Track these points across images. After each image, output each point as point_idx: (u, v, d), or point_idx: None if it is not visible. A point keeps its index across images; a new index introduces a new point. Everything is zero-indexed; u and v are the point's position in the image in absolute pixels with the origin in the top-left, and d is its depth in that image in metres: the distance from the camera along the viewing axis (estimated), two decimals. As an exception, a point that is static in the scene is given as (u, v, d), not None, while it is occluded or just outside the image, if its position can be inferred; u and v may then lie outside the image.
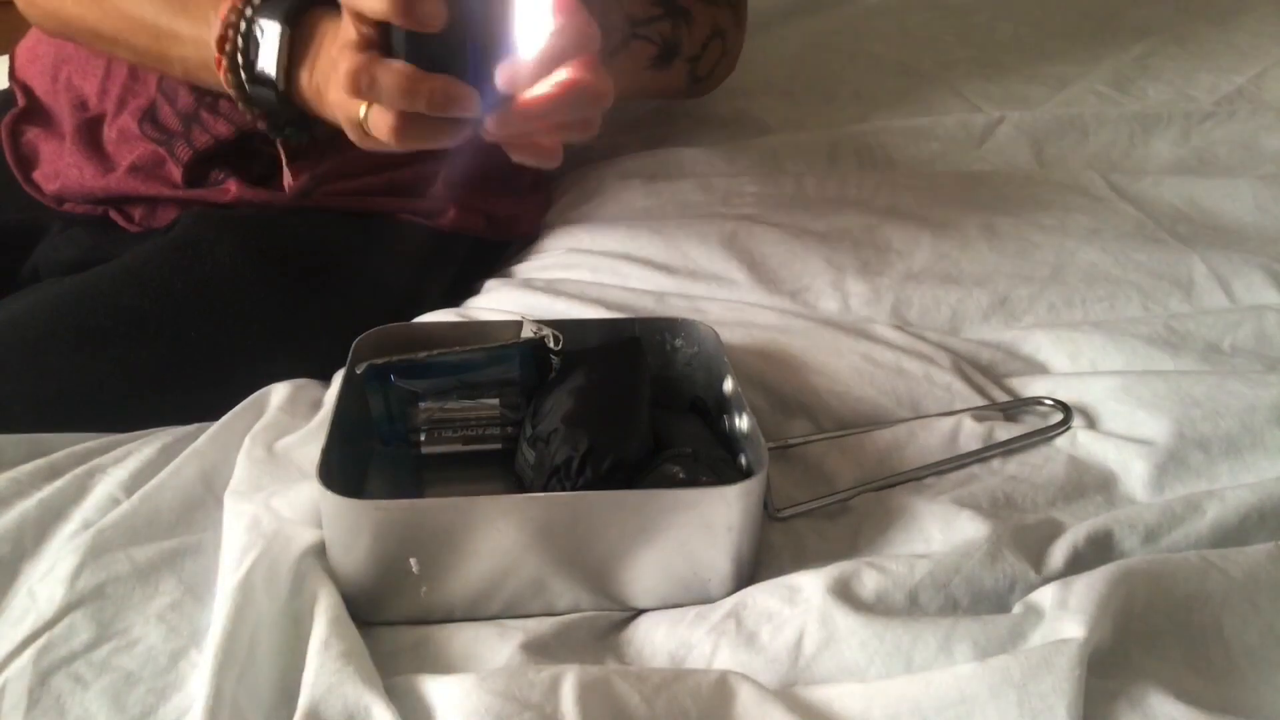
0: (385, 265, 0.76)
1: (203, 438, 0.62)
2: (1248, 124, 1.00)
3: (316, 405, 0.66)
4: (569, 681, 0.45)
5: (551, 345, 0.61)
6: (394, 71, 0.50)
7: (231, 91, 0.63)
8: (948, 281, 0.77)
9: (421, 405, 0.61)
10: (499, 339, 0.62)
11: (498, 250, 0.86)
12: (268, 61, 0.61)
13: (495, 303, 0.75)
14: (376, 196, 0.77)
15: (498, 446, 0.61)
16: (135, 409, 0.66)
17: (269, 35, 0.60)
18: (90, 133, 0.78)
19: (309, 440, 0.61)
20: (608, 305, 0.72)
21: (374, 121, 0.52)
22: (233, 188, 0.73)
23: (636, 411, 0.58)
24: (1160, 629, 0.49)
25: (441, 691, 0.45)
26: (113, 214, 0.77)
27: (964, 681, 0.45)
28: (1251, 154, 0.96)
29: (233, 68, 0.62)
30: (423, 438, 0.61)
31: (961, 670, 0.45)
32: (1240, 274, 0.77)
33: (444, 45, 0.50)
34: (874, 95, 1.10)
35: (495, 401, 0.62)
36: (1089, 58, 1.18)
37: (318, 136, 0.66)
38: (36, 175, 0.79)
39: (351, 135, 0.56)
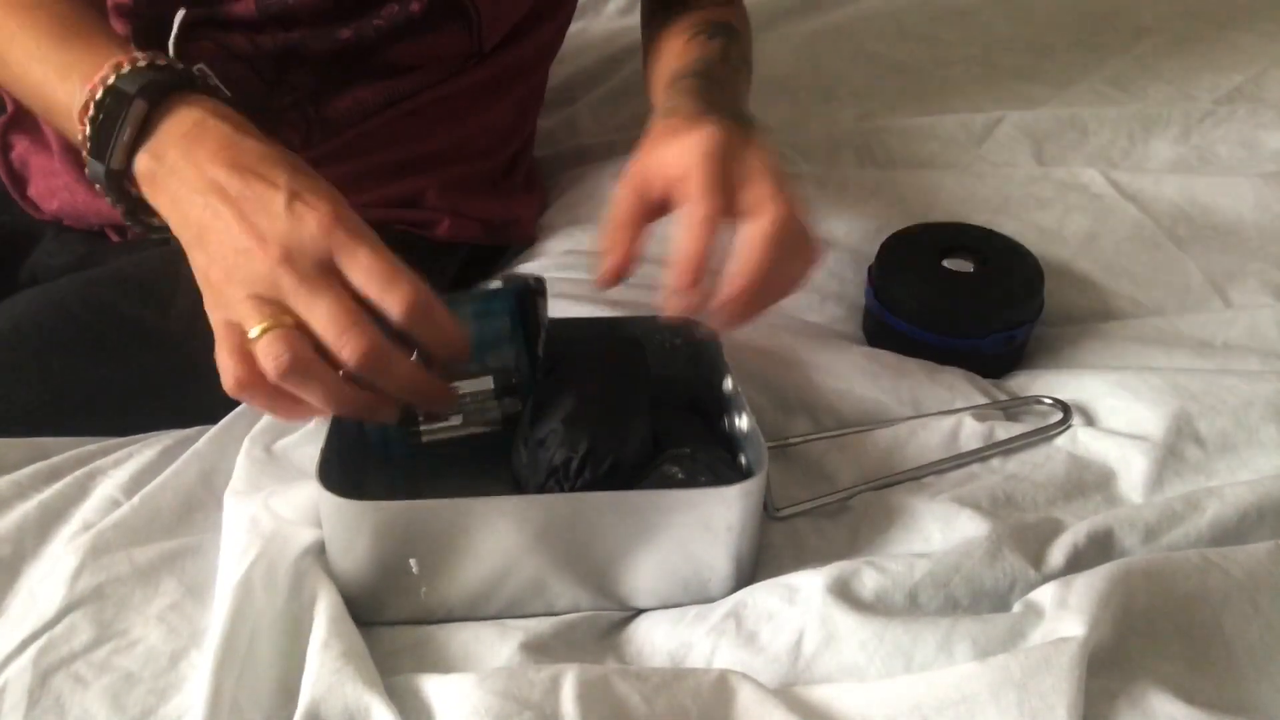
0: None
1: (203, 440, 0.63)
2: (1248, 123, 1.00)
3: (316, 406, 0.66)
4: (569, 681, 0.45)
5: (533, 285, 0.59)
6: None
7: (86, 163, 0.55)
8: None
9: None
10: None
11: (496, 253, 0.86)
12: (108, 134, 0.52)
13: (495, 303, 0.75)
14: (372, 208, 0.77)
15: (498, 427, 0.60)
16: (136, 414, 0.66)
17: (127, 108, 0.52)
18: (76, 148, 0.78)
19: (308, 440, 0.61)
20: (608, 305, 0.72)
21: (268, 357, 0.45)
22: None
23: (636, 412, 0.58)
24: (1160, 628, 0.49)
25: (441, 691, 0.45)
26: (107, 230, 0.77)
27: (964, 681, 0.45)
28: (1252, 153, 0.96)
29: (90, 136, 0.53)
30: (421, 424, 0.59)
31: (961, 670, 0.45)
32: (1235, 281, 0.78)
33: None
34: (874, 95, 1.10)
35: (489, 379, 0.59)
36: (1089, 57, 1.18)
37: (152, 230, 0.57)
38: (31, 193, 0.79)
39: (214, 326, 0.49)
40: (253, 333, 0.46)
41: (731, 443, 0.59)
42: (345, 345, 0.46)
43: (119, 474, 0.60)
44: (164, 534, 0.56)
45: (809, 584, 0.50)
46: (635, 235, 0.57)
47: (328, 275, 0.47)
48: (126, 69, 0.53)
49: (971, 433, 0.63)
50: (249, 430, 0.63)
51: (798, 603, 0.50)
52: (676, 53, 0.76)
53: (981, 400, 0.67)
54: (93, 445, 0.63)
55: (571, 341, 0.61)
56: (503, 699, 0.44)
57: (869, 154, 0.97)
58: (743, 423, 0.57)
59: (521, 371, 0.59)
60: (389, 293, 0.47)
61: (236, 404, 0.66)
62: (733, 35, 0.77)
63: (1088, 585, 0.48)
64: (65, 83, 0.55)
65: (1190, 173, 0.92)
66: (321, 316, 0.46)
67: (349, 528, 0.50)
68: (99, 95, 0.52)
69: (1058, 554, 0.53)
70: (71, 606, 0.51)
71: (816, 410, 0.66)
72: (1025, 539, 0.53)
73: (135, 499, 0.57)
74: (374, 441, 0.59)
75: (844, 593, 0.50)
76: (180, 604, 0.52)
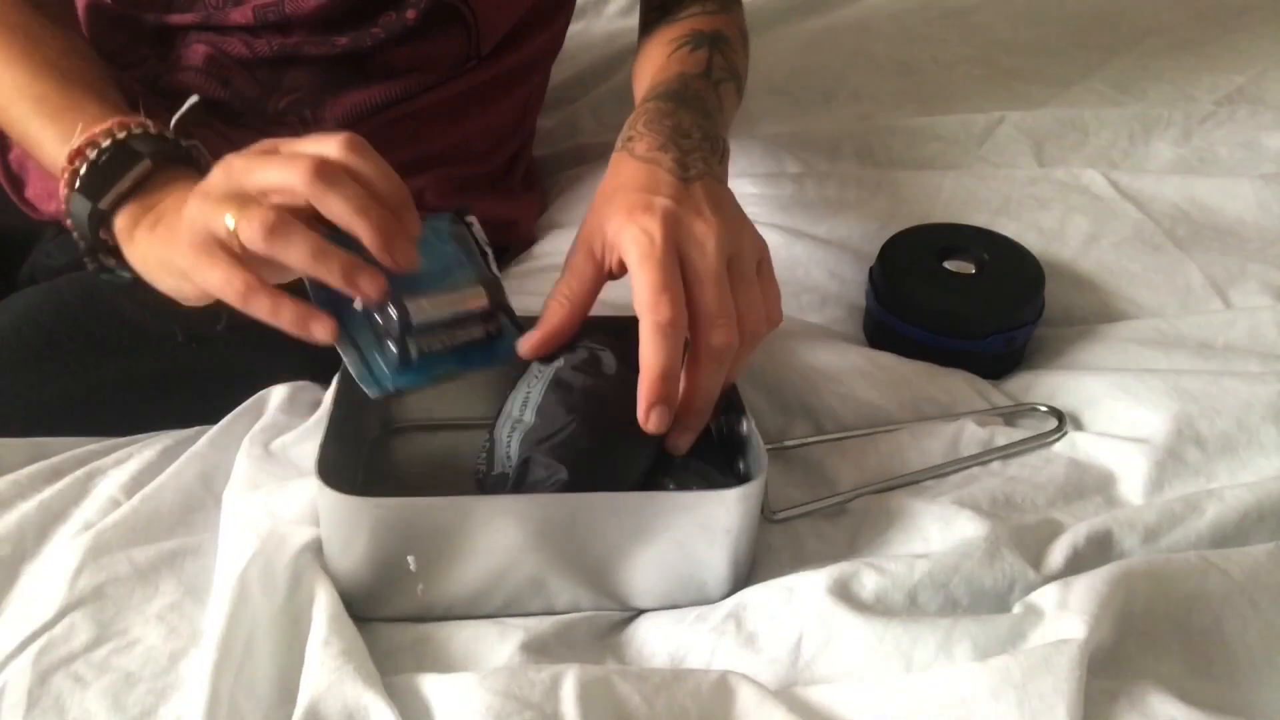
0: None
1: (202, 440, 0.63)
2: (1248, 124, 1.00)
3: (315, 406, 0.66)
4: (569, 681, 0.45)
5: (460, 211, 0.58)
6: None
7: (64, 199, 0.56)
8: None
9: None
10: None
11: (496, 253, 0.86)
12: (108, 181, 0.55)
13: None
14: None
15: (491, 340, 0.56)
16: (136, 414, 0.66)
17: (130, 163, 0.55)
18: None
19: (306, 438, 0.61)
20: (608, 305, 0.72)
21: (248, 224, 0.47)
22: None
23: (625, 441, 0.54)
24: (1160, 629, 0.49)
25: (441, 690, 0.45)
26: (102, 232, 0.77)
27: (964, 681, 0.45)
28: (1252, 153, 0.96)
29: (83, 176, 0.55)
30: (414, 351, 0.54)
31: (961, 670, 0.45)
32: (1236, 282, 0.78)
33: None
34: (874, 95, 1.10)
35: (476, 289, 0.56)
36: (1089, 57, 1.18)
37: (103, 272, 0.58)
38: (29, 194, 0.79)
39: (185, 267, 0.51)
40: (228, 222, 0.48)
41: (729, 444, 0.59)
42: (297, 174, 0.47)
43: (119, 474, 0.60)
44: (164, 534, 0.56)
45: (809, 585, 0.50)
46: (582, 311, 0.56)
47: (265, 155, 0.50)
48: (138, 131, 0.56)
49: (973, 438, 0.63)
50: (248, 430, 0.63)
51: (797, 603, 0.50)
52: (658, 65, 0.75)
53: (980, 404, 0.67)
54: (93, 445, 0.63)
55: (576, 339, 0.59)
56: (503, 699, 0.44)
57: (869, 154, 0.97)
58: (741, 426, 0.57)
59: (492, 286, 0.57)
60: (326, 140, 0.49)
61: (236, 404, 0.66)
62: (719, 45, 0.76)
63: (1088, 586, 0.48)
64: (56, 123, 0.58)
65: (1191, 174, 0.92)
66: (274, 173, 0.48)
67: (347, 524, 0.50)
68: (104, 144, 0.55)
69: (1057, 555, 0.53)
70: (71, 606, 0.51)
71: (817, 413, 0.66)
72: (1025, 540, 0.53)
73: (135, 499, 0.57)
74: (376, 374, 0.54)
75: (844, 593, 0.50)
76: (180, 604, 0.52)
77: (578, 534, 0.50)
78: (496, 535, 0.49)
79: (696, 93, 0.68)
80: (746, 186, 0.89)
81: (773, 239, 0.81)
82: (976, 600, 0.51)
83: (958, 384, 0.68)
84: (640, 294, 0.52)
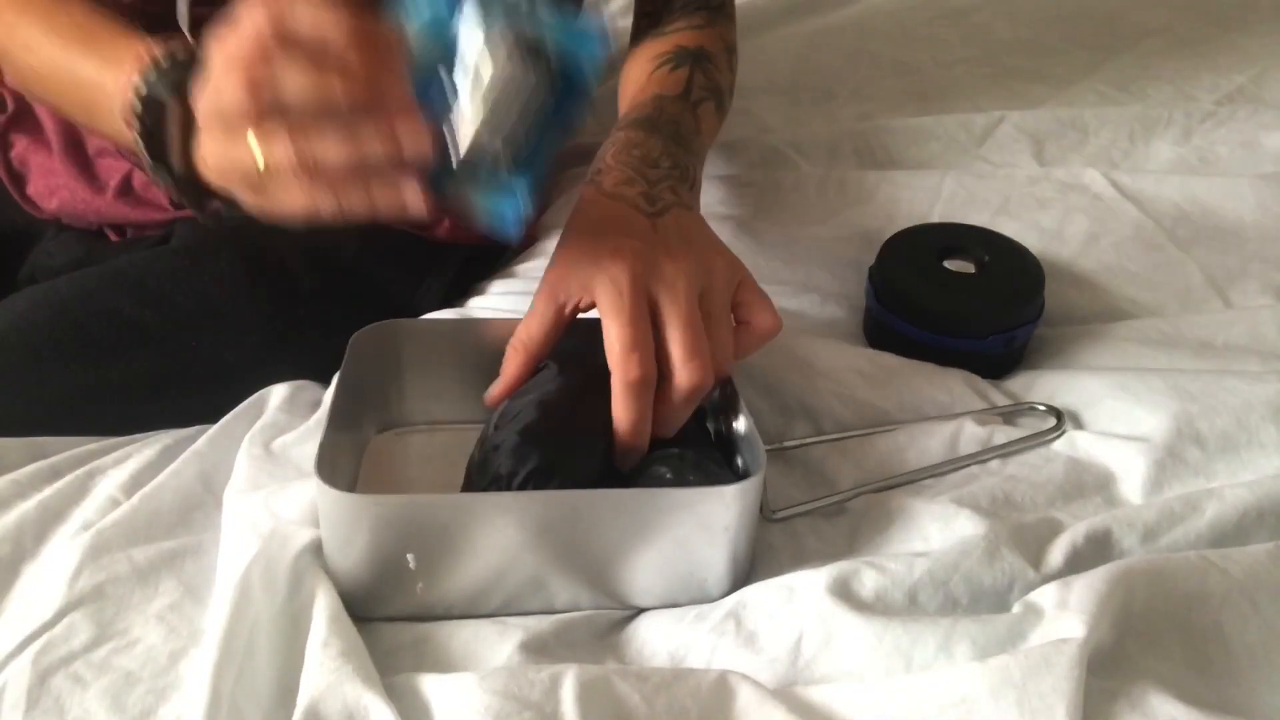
0: (383, 273, 0.76)
1: (202, 439, 0.63)
2: (1248, 123, 1.00)
3: (315, 405, 0.66)
4: (569, 681, 0.45)
5: None
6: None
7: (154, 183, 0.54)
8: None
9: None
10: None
11: (496, 253, 0.86)
12: (160, 144, 0.52)
13: (497, 304, 0.75)
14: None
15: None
16: (136, 415, 0.66)
17: (164, 113, 0.52)
18: (77, 147, 0.78)
19: (306, 438, 0.61)
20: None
21: (276, 162, 0.43)
22: (217, 207, 0.73)
23: (597, 433, 0.54)
24: (1160, 628, 0.49)
25: (441, 690, 0.45)
26: (106, 229, 0.77)
27: (964, 681, 0.45)
28: (1252, 153, 0.96)
29: (144, 147, 0.53)
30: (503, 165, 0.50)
31: (961, 670, 0.45)
32: (1236, 282, 0.78)
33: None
34: (874, 95, 1.10)
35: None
36: (1089, 57, 1.18)
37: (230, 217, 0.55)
38: (31, 191, 0.79)
39: (246, 199, 0.48)
40: (259, 161, 0.44)
41: (727, 444, 0.59)
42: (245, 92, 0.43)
43: (118, 474, 0.60)
44: (163, 534, 0.56)
45: (809, 584, 0.50)
46: (540, 356, 0.56)
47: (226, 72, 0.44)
48: (153, 73, 0.52)
49: (972, 438, 0.63)
50: (248, 430, 0.63)
51: (797, 603, 0.50)
52: (638, 85, 0.75)
53: (980, 404, 0.67)
54: (92, 445, 0.63)
55: (565, 340, 0.60)
56: (503, 699, 0.44)
57: (869, 154, 0.97)
58: (740, 424, 0.57)
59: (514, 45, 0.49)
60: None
61: (236, 404, 0.66)
62: (701, 63, 0.75)
63: (1087, 586, 0.48)
64: (100, 92, 0.55)
65: (1191, 173, 0.92)
66: (296, 84, 0.43)
67: (347, 522, 0.50)
68: (135, 106, 0.52)
69: (1056, 554, 0.53)
70: (71, 606, 0.51)
71: (816, 414, 0.66)
72: (1024, 539, 0.53)
73: (135, 499, 0.57)
74: (502, 211, 0.52)
75: (844, 593, 0.50)
76: (180, 604, 0.52)
77: (577, 531, 0.50)
78: (496, 533, 0.49)
79: (671, 117, 0.69)
80: (746, 184, 0.89)
81: (772, 238, 0.82)
82: (976, 599, 0.51)
83: (957, 384, 0.68)
84: (611, 349, 0.52)
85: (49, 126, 0.79)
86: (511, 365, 0.56)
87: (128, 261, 0.71)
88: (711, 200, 0.87)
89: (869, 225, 0.83)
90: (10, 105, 0.82)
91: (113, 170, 0.76)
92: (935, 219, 0.80)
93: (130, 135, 0.53)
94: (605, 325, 0.53)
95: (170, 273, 0.70)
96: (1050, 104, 1.07)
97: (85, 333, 0.66)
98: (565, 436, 0.54)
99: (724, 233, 0.80)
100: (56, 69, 0.59)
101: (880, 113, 1.06)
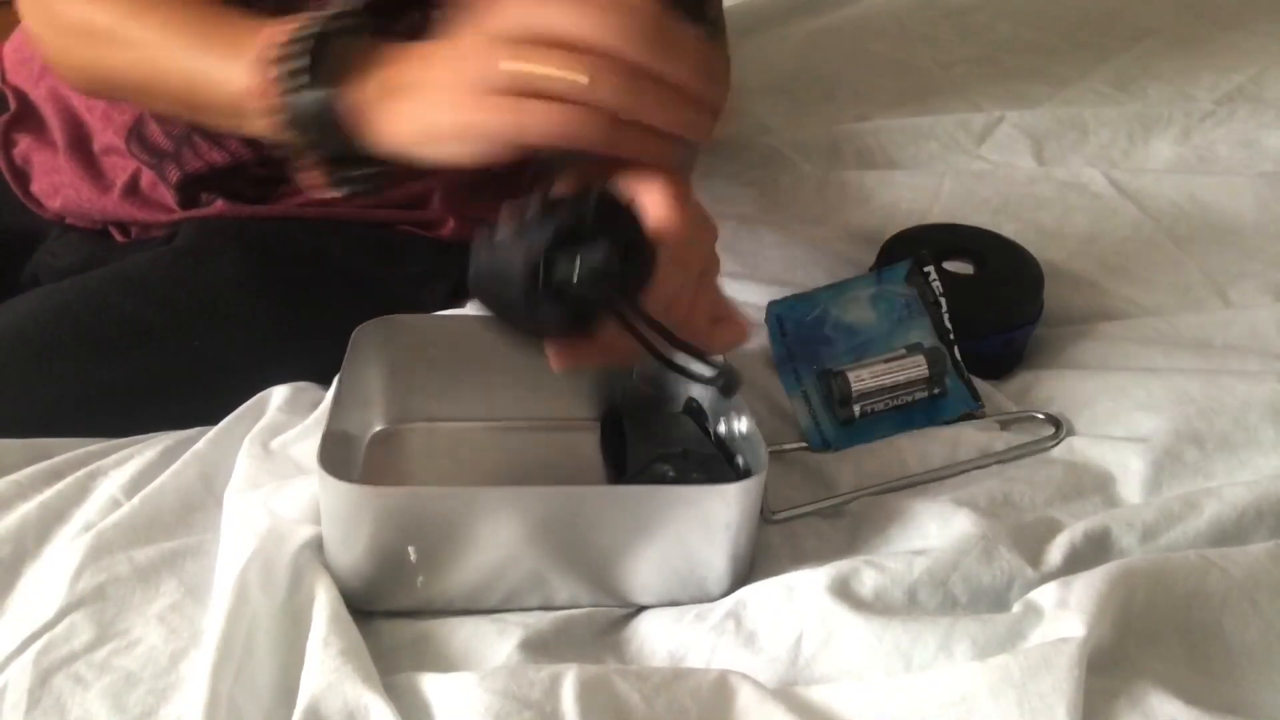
0: (387, 273, 0.76)
1: (203, 440, 0.63)
2: (1248, 123, 1.00)
3: (315, 406, 0.66)
4: (569, 680, 0.45)
5: None
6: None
7: (271, 120, 0.52)
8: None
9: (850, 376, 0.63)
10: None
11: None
12: (325, 76, 0.50)
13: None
14: (375, 209, 0.77)
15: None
16: (138, 416, 0.66)
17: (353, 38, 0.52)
18: (82, 146, 0.77)
19: (306, 436, 0.61)
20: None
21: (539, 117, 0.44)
22: (221, 208, 0.73)
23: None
24: (1160, 628, 0.49)
25: (441, 689, 0.45)
26: (111, 229, 0.77)
27: (963, 681, 0.45)
28: (1252, 152, 0.96)
29: (284, 87, 0.51)
30: (856, 411, 0.62)
31: (961, 670, 0.45)
32: (1235, 281, 0.78)
33: None
34: (874, 95, 1.10)
35: (921, 359, 0.63)
36: (1089, 57, 1.18)
37: (379, 182, 0.54)
38: (34, 190, 0.79)
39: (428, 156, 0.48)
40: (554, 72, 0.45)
41: (727, 446, 0.59)
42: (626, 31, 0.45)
43: (119, 474, 0.60)
44: (164, 534, 0.56)
45: (808, 583, 0.50)
46: None
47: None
48: (333, 14, 0.51)
49: (971, 443, 0.63)
50: (249, 430, 0.63)
51: (797, 602, 0.50)
52: None
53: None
54: (93, 446, 0.63)
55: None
56: (503, 698, 0.44)
57: (869, 154, 0.98)
58: (742, 425, 0.57)
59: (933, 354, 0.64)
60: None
61: (236, 404, 0.66)
62: None
63: (1087, 585, 0.48)
64: (227, 60, 0.54)
65: (1190, 173, 0.92)
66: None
67: (349, 514, 0.50)
68: (306, 31, 0.50)
69: (1055, 553, 0.53)
70: (72, 607, 0.51)
71: (816, 411, 0.66)
72: (1023, 538, 0.53)
73: (135, 499, 0.57)
74: (823, 430, 0.63)
75: (843, 592, 0.50)
76: (180, 604, 0.52)
77: (579, 526, 0.50)
78: (497, 526, 0.49)
79: None
80: (746, 184, 0.89)
81: (772, 238, 0.82)
82: (975, 597, 0.51)
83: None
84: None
85: (53, 125, 0.79)
86: None
87: (131, 262, 0.71)
88: (712, 200, 0.87)
89: (869, 225, 0.83)
90: (12, 104, 0.82)
91: (119, 169, 0.76)
92: (934, 219, 0.80)
93: (258, 77, 0.51)
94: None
95: (173, 273, 0.70)
96: (1049, 103, 1.07)
97: (87, 333, 0.66)
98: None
99: (724, 233, 0.81)
100: (164, 50, 0.58)
101: (880, 113, 1.06)
